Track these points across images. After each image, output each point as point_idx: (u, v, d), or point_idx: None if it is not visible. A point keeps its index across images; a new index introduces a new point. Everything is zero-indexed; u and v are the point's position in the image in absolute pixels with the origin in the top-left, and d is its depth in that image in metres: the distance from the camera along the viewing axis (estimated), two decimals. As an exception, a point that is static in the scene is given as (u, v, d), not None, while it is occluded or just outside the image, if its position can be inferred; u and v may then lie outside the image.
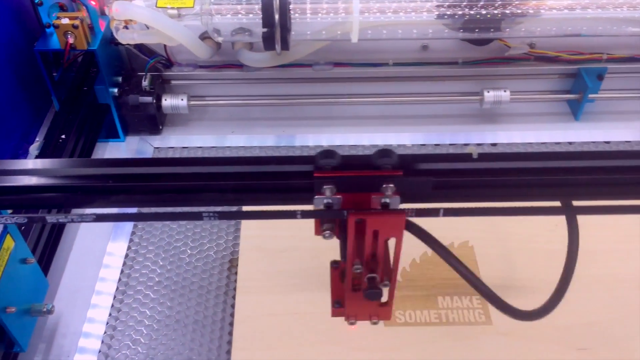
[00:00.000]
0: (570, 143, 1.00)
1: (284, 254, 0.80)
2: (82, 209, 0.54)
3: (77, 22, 0.87)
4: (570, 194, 0.50)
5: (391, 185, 0.46)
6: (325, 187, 0.47)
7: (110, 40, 0.94)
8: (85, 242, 0.85)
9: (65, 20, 0.87)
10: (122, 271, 0.81)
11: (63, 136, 0.85)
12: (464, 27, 0.88)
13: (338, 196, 0.47)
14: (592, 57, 1.00)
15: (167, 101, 0.98)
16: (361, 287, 0.54)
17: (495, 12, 0.87)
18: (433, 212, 0.49)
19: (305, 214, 0.49)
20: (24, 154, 0.95)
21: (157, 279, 0.80)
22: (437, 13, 0.87)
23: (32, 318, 0.70)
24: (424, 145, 1.00)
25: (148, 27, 0.87)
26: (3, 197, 0.49)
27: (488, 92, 1.00)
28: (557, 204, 0.52)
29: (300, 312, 0.74)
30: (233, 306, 0.76)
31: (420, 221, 0.52)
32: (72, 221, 0.53)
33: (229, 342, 0.72)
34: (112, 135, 0.99)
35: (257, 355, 0.70)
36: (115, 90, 0.96)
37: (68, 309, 0.77)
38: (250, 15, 0.85)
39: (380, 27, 0.88)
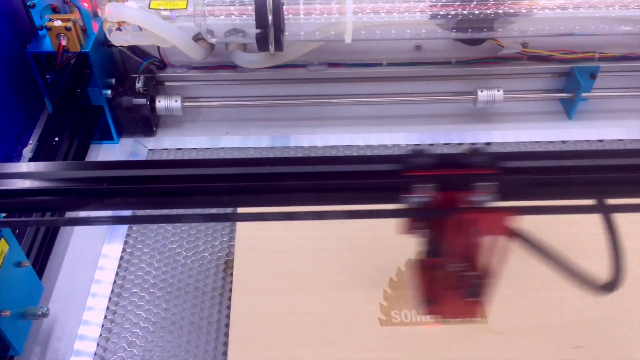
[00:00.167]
0: (563, 142, 1.01)
1: (279, 255, 0.80)
2: (77, 211, 0.54)
3: (69, 24, 0.86)
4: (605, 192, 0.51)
5: (487, 183, 0.46)
6: (417, 185, 0.46)
7: (103, 42, 0.94)
8: (80, 244, 0.85)
9: (57, 23, 0.86)
10: (117, 273, 0.81)
11: (56, 139, 0.85)
12: (457, 27, 0.89)
13: (428, 195, 0.47)
14: (585, 56, 1.01)
15: (161, 103, 0.98)
16: (456, 285, 0.54)
17: (488, 11, 0.87)
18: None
19: (396, 213, 0.48)
20: (17, 157, 0.95)
21: (152, 281, 0.80)
22: (430, 13, 0.87)
23: (27, 321, 0.70)
24: (418, 145, 1.00)
25: (141, 29, 0.87)
26: (-4, 201, 0.49)
27: (481, 91, 1.00)
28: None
29: (296, 312, 0.74)
30: (229, 307, 0.76)
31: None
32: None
33: (225, 344, 0.72)
34: (106, 137, 0.99)
35: (253, 356, 0.70)
36: (109, 92, 0.95)
37: (63, 312, 0.77)
38: (244, 16, 0.85)
39: (373, 28, 0.88)
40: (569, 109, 1.04)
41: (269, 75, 1.01)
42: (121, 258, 0.82)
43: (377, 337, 0.72)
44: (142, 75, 0.96)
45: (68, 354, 0.73)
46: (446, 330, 0.72)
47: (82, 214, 0.51)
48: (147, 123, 0.99)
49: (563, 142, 1.01)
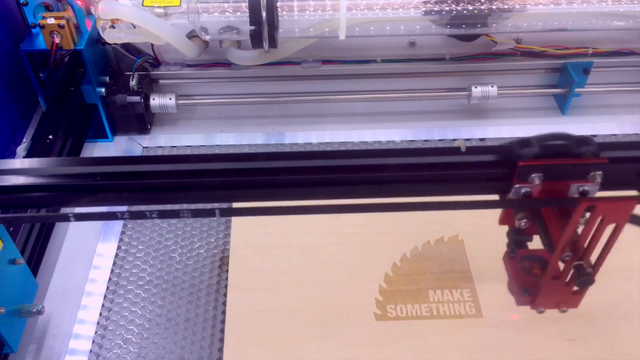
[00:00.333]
0: (557, 137, 1.01)
1: (274, 250, 0.80)
2: (71, 208, 0.54)
3: (63, 22, 0.86)
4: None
5: (598, 172, 0.47)
6: (531, 175, 0.48)
7: (96, 40, 0.93)
8: (75, 242, 0.85)
9: (51, 20, 0.86)
10: (112, 271, 0.80)
11: (50, 137, 0.84)
12: (451, 23, 0.89)
13: (539, 184, 0.48)
14: (578, 52, 1.01)
15: (155, 100, 0.98)
16: (564, 275, 0.54)
17: (482, 7, 0.88)
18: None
19: (506, 203, 0.50)
20: (11, 155, 0.94)
21: (147, 278, 0.80)
22: (424, 9, 0.87)
23: (22, 319, 0.69)
24: (413, 141, 1.00)
25: (135, 26, 0.87)
26: (-10, 197, 0.49)
27: (475, 87, 1.00)
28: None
29: (292, 308, 0.74)
30: (224, 304, 0.76)
31: (414, 214, 0.52)
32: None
33: (221, 340, 0.72)
34: (100, 135, 0.99)
35: (249, 352, 0.70)
36: (103, 90, 0.95)
37: (58, 310, 0.77)
38: (238, 13, 0.85)
39: (367, 24, 0.89)
40: (562, 105, 1.05)
41: (263, 72, 1.01)
42: (116, 255, 0.82)
43: (373, 332, 0.72)
44: (136, 73, 0.96)
45: (63, 352, 0.73)
46: (442, 325, 0.72)
47: (77, 210, 0.51)
48: (141, 121, 0.98)
49: (557, 137, 1.01)
